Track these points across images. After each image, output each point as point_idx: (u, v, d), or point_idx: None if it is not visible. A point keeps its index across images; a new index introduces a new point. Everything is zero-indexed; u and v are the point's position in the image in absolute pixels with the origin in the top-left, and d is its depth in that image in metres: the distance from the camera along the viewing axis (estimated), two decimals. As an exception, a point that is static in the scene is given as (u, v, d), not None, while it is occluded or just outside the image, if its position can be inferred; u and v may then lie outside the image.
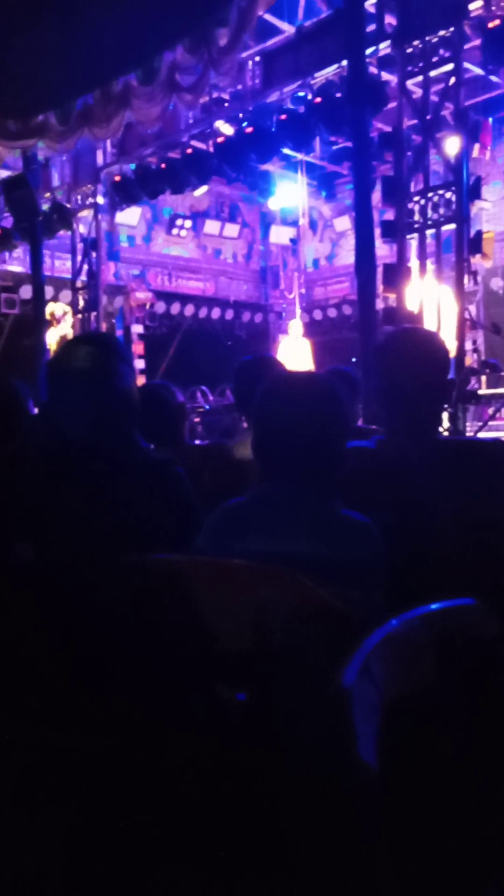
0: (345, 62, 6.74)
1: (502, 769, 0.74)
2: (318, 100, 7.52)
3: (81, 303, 10.08)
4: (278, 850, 0.71)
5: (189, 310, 12.73)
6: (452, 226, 6.07)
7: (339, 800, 0.65)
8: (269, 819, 0.73)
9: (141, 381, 9.76)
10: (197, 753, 0.79)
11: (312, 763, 0.75)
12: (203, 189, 10.19)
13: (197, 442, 6.42)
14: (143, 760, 0.79)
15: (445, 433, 5.57)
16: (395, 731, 0.73)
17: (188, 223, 12.68)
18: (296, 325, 11.32)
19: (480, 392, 6.77)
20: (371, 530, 1.44)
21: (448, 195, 6.06)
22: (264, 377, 1.66)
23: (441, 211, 6.09)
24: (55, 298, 10.77)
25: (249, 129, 8.18)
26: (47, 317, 9.75)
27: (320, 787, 0.69)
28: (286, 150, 8.98)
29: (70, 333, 10.34)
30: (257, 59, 7.86)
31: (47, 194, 9.93)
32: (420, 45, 6.18)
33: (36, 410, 3.11)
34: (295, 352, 10.60)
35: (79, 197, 9.88)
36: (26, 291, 10.36)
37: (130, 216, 11.57)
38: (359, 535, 1.43)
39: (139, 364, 11.50)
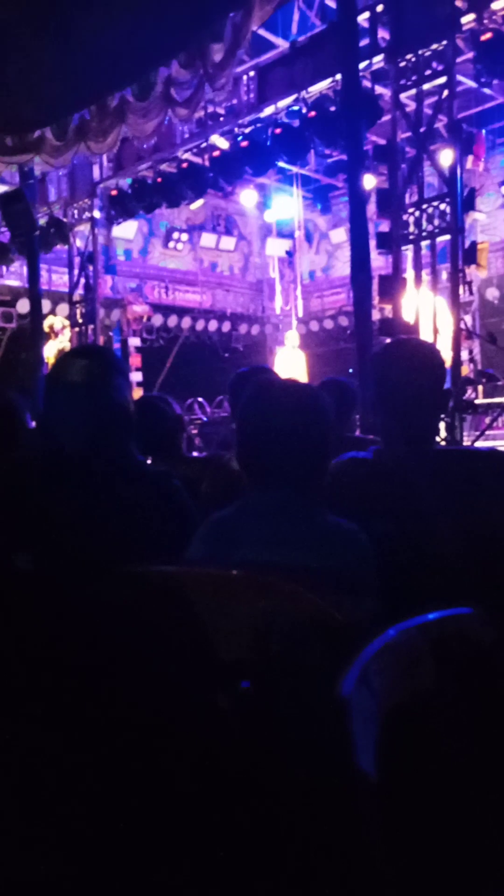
0: (339, 76, 6.80)
1: (500, 776, 0.74)
2: (313, 113, 7.58)
3: (79, 316, 10.11)
4: (279, 857, 0.71)
5: (186, 322, 12.78)
6: (447, 237, 6.11)
7: (339, 808, 0.65)
8: (269, 827, 0.73)
9: (138, 393, 9.78)
10: (196, 763, 0.79)
11: (312, 771, 0.75)
12: (199, 202, 10.26)
13: (195, 454, 6.42)
14: (142, 770, 0.79)
15: (443, 443, 5.58)
16: (393, 739, 0.73)
17: (184, 236, 12.75)
18: (292, 336, 11.26)
19: (477, 402, 6.78)
20: (358, 535, 1.44)
21: (442, 206, 6.10)
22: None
23: (436, 222, 6.13)
24: (52, 312, 10.81)
25: (245, 143, 8.24)
26: (45, 330, 9.77)
27: (320, 796, 0.69)
28: (281, 164, 9.04)
29: (68, 346, 10.36)
30: (252, 73, 7.93)
31: (44, 209, 9.99)
32: (413, 59, 6.24)
33: (33, 423, 3.11)
34: (291, 363, 10.55)
35: (75, 211, 9.93)
36: (24, 305, 10.40)
37: (127, 230, 11.64)
38: (346, 540, 1.43)
39: (136, 376, 11.52)
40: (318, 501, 1.49)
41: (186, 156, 8.95)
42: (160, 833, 0.77)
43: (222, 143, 8.55)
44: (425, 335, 6.04)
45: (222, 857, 0.72)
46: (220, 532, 1.51)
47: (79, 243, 10.00)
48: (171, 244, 12.69)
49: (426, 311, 6.25)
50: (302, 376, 10.11)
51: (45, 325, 9.99)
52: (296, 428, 1.47)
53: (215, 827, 0.75)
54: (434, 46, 6.12)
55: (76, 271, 10.06)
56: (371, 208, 6.59)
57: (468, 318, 9.98)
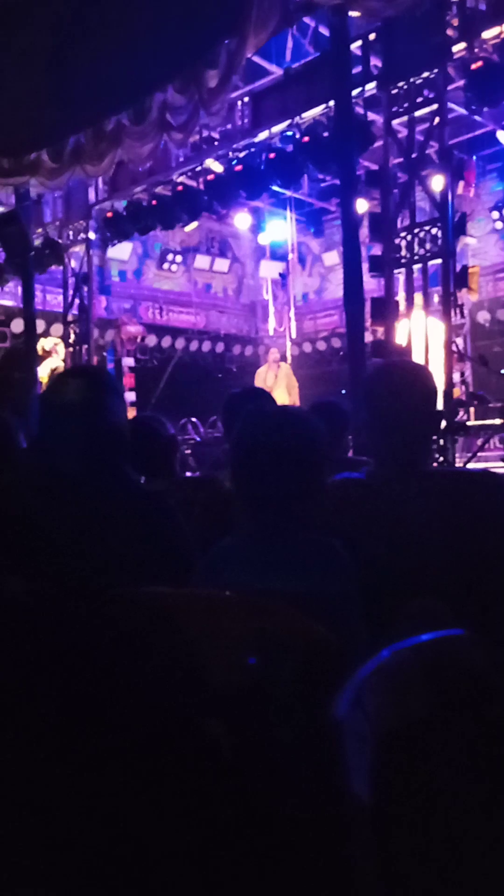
0: (332, 103, 6.91)
1: (495, 800, 0.74)
2: (306, 139, 7.68)
3: (73, 336, 10.14)
4: (272, 883, 0.71)
5: (180, 343, 12.83)
6: (439, 261, 6.17)
7: (332, 832, 0.65)
8: (261, 851, 0.72)
9: (132, 413, 9.77)
10: (187, 786, 0.78)
11: (305, 795, 0.75)
12: (193, 225, 10.34)
13: (188, 474, 6.42)
14: (133, 795, 0.79)
15: (435, 464, 5.60)
16: (387, 762, 0.73)
17: (179, 258, 12.84)
18: (272, 354, 10.85)
19: (469, 423, 6.81)
20: (335, 549, 1.43)
21: (434, 231, 6.17)
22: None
23: (427, 246, 6.20)
24: (46, 332, 10.83)
25: (239, 167, 8.34)
26: (39, 352, 9.76)
27: (313, 819, 0.68)
28: (275, 188, 9.14)
29: (62, 366, 10.35)
30: (246, 99, 8.04)
31: (39, 230, 10.05)
32: (405, 87, 6.34)
33: (25, 443, 3.11)
34: (275, 378, 10.15)
35: (70, 232, 9.99)
36: (18, 325, 10.42)
37: (122, 251, 11.71)
38: (325, 556, 1.43)
39: (130, 396, 11.53)
40: (311, 525, 1.50)
41: (181, 179, 9.04)
42: (151, 858, 0.76)
43: (217, 166, 8.65)
44: (417, 357, 6.08)
45: (214, 882, 0.72)
46: (218, 559, 1.51)
47: (73, 264, 10.05)
48: (166, 266, 12.77)
49: (418, 333, 6.30)
50: (288, 389, 9.79)
51: (39, 346, 10.00)
52: (289, 457, 1.48)
53: (207, 851, 0.75)
54: (425, 74, 6.23)
55: (71, 292, 10.11)
56: (363, 232, 6.66)
57: (460, 341, 10.05)
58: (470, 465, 6.76)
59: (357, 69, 6.64)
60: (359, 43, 6.70)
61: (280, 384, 9.90)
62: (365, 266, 6.22)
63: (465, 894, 0.72)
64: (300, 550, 1.46)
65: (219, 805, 0.76)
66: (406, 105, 6.35)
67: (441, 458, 5.82)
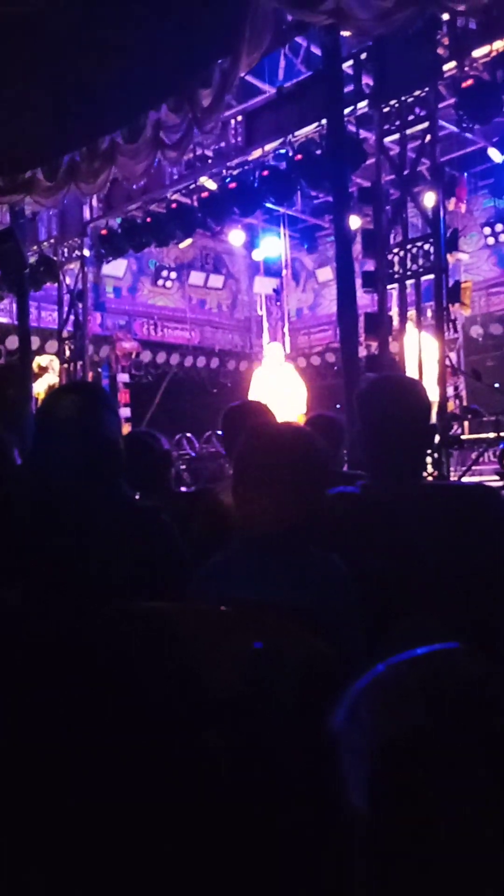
0: (324, 121, 6.98)
1: (492, 811, 0.74)
2: (299, 157, 7.75)
3: (68, 353, 10.16)
4: (270, 893, 0.71)
5: (175, 359, 12.86)
6: (431, 276, 6.22)
7: (329, 843, 0.64)
8: (258, 863, 0.72)
9: (127, 429, 9.77)
10: (185, 798, 0.78)
11: (303, 807, 0.75)
12: (188, 242, 10.39)
13: (183, 489, 6.41)
14: (129, 804, 0.79)
15: (429, 478, 5.61)
16: (383, 774, 0.73)
17: (173, 274, 12.90)
18: (274, 349, 9.73)
19: (463, 437, 6.84)
20: (332, 563, 1.44)
21: (426, 247, 6.21)
22: (249, 423, 1.68)
23: (420, 262, 6.24)
24: (41, 349, 10.84)
25: (233, 185, 8.40)
26: (35, 369, 9.74)
27: (311, 832, 0.68)
28: (269, 205, 9.20)
29: (58, 382, 10.34)
30: (240, 118, 8.12)
31: (35, 247, 10.09)
32: (397, 105, 6.41)
33: (20, 460, 3.11)
34: (276, 382, 9.06)
35: (65, 250, 10.03)
36: (12, 342, 10.44)
37: (116, 268, 11.75)
38: (321, 571, 1.43)
39: (125, 412, 11.53)
40: (309, 542, 1.50)
41: (175, 196, 9.10)
42: (148, 867, 0.76)
43: (211, 184, 8.71)
44: (411, 372, 6.11)
45: (212, 892, 0.72)
46: (216, 572, 1.51)
47: (68, 281, 10.09)
48: (160, 282, 12.83)
49: (411, 348, 6.34)
50: (296, 389, 9.01)
51: (34, 364, 9.99)
52: (290, 472, 1.49)
53: (204, 863, 0.74)
54: (417, 93, 6.30)
55: (66, 309, 10.13)
56: (357, 248, 6.71)
57: (453, 355, 10.10)
58: (464, 479, 6.78)
59: (349, 88, 6.72)
60: (350, 62, 6.79)
61: (285, 387, 8.99)
62: (358, 282, 6.27)
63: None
64: (298, 564, 1.46)
65: (216, 816, 0.76)
66: (398, 123, 6.42)
67: (435, 472, 5.83)
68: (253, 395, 9.14)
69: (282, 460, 1.50)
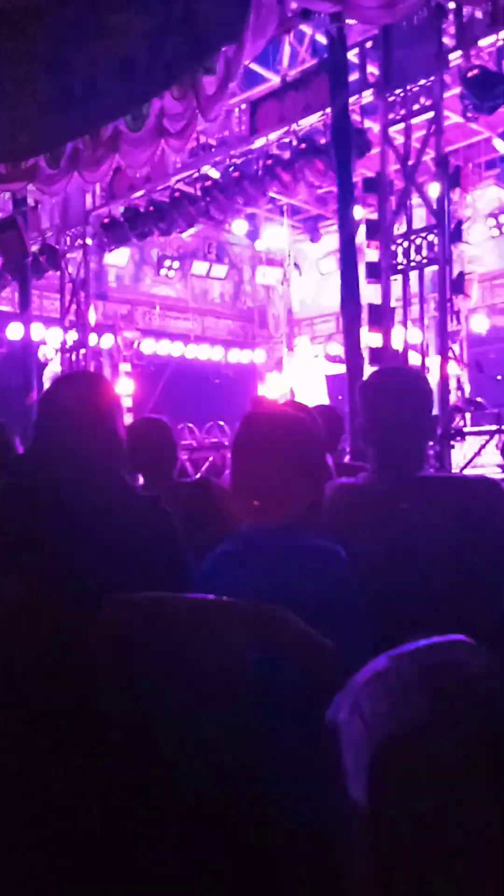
0: (329, 110, 6.93)
1: (493, 805, 0.74)
2: (303, 146, 7.71)
3: (70, 342, 10.14)
4: (271, 886, 0.71)
5: (177, 348, 12.83)
6: (435, 267, 6.19)
7: (329, 837, 0.64)
8: (258, 856, 0.72)
9: (129, 418, 9.74)
10: (185, 790, 0.78)
11: (303, 800, 0.75)
12: (191, 231, 10.35)
13: (186, 480, 6.41)
14: (132, 797, 0.79)
15: (432, 470, 5.60)
16: (384, 767, 0.73)
17: (176, 264, 12.86)
18: (303, 342, 9.72)
19: (466, 429, 6.83)
20: (337, 555, 1.44)
21: (430, 238, 6.19)
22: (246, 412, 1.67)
23: (424, 253, 6.22)
24: (43, 338, 10.83)
25: (236, 174, 8.36)
26: (41, 358, 9.72)
27: (311, 825, 0.68)
28: (272, 194, 9.16)
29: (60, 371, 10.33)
30: (244, 106, 8.07)
31: (37, 235, 10.05)
32: (401, 94, 6.37)
33: (22, 449, 3.11)
34: (308, 379, 9.02)
35: (68, 238, 10.00)
36: (14, 331, 10.42)
37: (119, 257, 11.72)
38: (325, 562, 1.43)
39: (127, 402, 11.52)
40: (309, 529, 1.50)
41: (179, 185, 9.06)
42: (148, 860, 0.76)
43: (214, 173, 8.67)
44: (413, 363, 6.10)
45: (213, 885, 0.72)
46: (219, 562, 1.51)
47: (71, 270, 10.06)
48: (163, 272, 12.78)
49: (414, 339, 6.32)
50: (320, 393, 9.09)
51: (40, 353, 9.97)
52: (288, 458, 1.48)
53: (204, 854, 0.74)
54: (422, 82, 6.26)
55: (68, 297, 10.11)
56: (360, 238, 6.68)
57: (456, 347, 10.07)
58: (467, 471, 6.77)
59: (354, 77, 6.67)
60: (356, 51, 6.74)
61: (314, 379, 9.05)
62: (362, 272, 6.24)
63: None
64: (302, 555, 1.46)
65: (215, 809, 0.76)
66: (403, 112, 6.38)
67: (438, 464, 5.83)
68: (281, 386, 9.26)
69: (278, 447, 1.49)
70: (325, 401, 8.54)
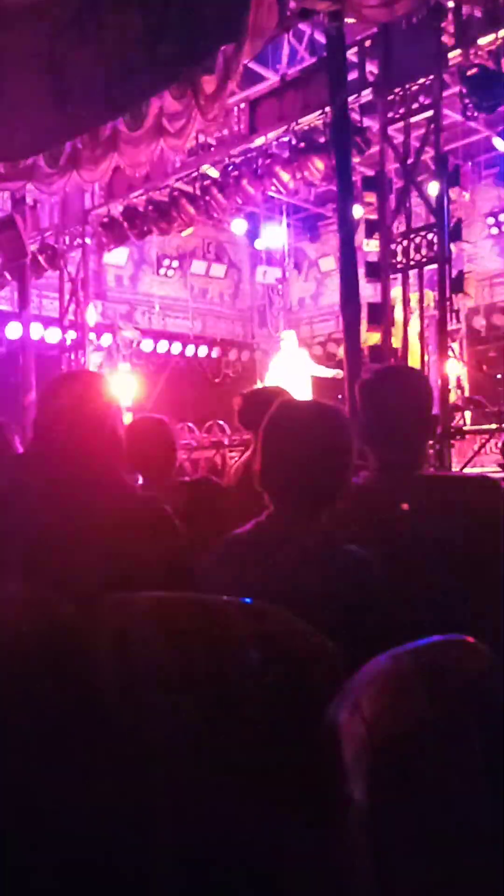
0: (328, 108, 6.93)
1: (492, 804, 0.74)
2: (303, 144, 7.70)
3: (69, 341, 10.14)
4: (270, 886, 0.70)
5: (176, 348, 12.83)
6: (434, 266, 6.19)
7: (329, 836, 0.64)
8: (259, 858, 0.72)
9: (128, 418, 9.71)
10: (185, 790, 0.78)
11: (303, 800, 0.75)
12: (190, 230, 10.33)
13: (187, 479, 6.41)
14: (127, 796, 0.78)
15: (432, 469, 5.60)
16: (384, 766, 0.73)
17: (175, 263, 12.85)
18: (290, 336, 9.78)
19: (466, 428, 6.83)
20: (370, 565, 1.44)
21: (430, 236, 6.18)
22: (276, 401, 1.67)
23: (423, 252, 6.22)
24: (42, 337, 10.82)
25: (235, 173, 8.35)
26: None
27: (311, 824, 0.68)
28: (271, 193, 9.15)
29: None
30: (243, 105, 8.06)
31: (36, 234, 10.04)
32: (401, 93, 6.36)
33: (21, 448, 3.11)
34: (292, 370, 9.11)
35: (67, 238, 9.99)
36: (14, 330, 10.41)
37: (118, 256, 11.71)
38: (358, 569, 1.43)
39: (126, 401, 11.51)
40: (334, 524, 1.50)
41: (178, 184, 9.05)
42: (148, 859, 0.76)
43: (213, 172, 8.66)
44: (413, 362, 6.09)
45: (213, 882, 0.72)
46: (233, 552, 1.51)
47: (70, 269, 10.05)
48: (162, 271, 12.78)
49: (414, 338, 6.32)
50: (306, 378, 9.09)
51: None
52: (321, 448, 1.49)
53: (203, 854, 0.74)
54: (421, 80, 6.25)
55: (67, 297, 10.10)
56: (360, 237, 6.68)
57: (456, 346, 10.07)
58: (466, 470, 6.77)
59: (353, 75, 6.67)
60: (355, 49, 6.73)
61: (300, 373, 9.09)
62: (361, 271, 6.24)
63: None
64: (315, 552, 1.46)
65: (213, 810, 0.76)
66: (402, 111, 6.38)
67: (438, 463, 5.83)
68: (269, 382, 9.24)
69: (311, 436, 1.50)
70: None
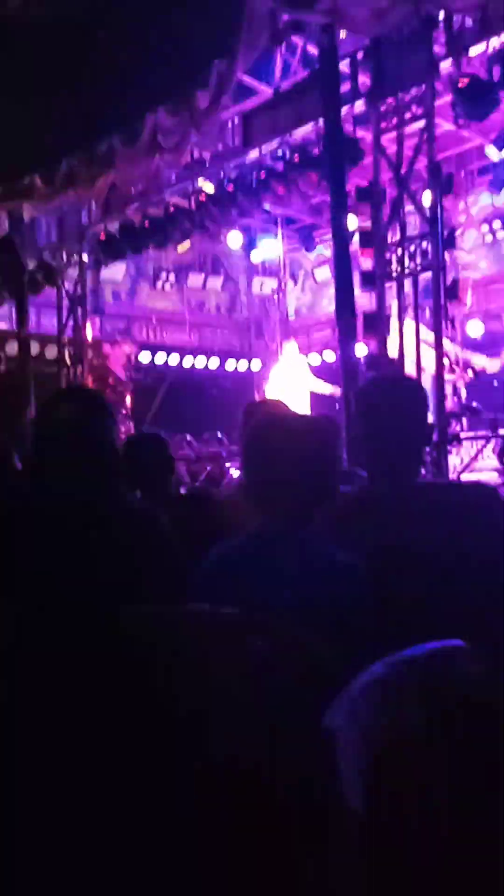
0: (321, 120, 6.98)
1: (490, 814, 0.74)
2: (297, 157, 7.75)
3: (67, 358, 10.17)
4: (265, 892, 0.71)
5: (174, 360, 12.86)
6: (429, 274, 6.22)
7: (325, 844, 0.64)
8: (255, 863, 0.72)
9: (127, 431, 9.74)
10: (182, 802, 0.78)
11: (299, 809, 0.75)
12: (186, 244, 10.39)
13: (183, 490, 6.41)
14: (130, 811, 0.79)
15: (428, 476, 5.61)
16: (381, 775, 0.73)
17: (172, 277, 12.91)
18: (292, 347, 9.87)
19: (462, 435, 6.83)
20: (358, 572, 1.45)
21: (424, 245, 6.22)
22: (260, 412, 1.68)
23: (418, 260, 6.25)
24: (41, 354, 10.85)
25: (230, 187, 8.41)
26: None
27: (307, 832, 0.68)
28: (266, 206, 9.20)
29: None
30: (236, 119, 8.12)
31: (33, 253, 10.09)
32: (393, 103, 6.41)
33: (20, 465, 3.12)
34: (293, 378, 9.16)
35: (64, 255, 10.04)
36: (12, 348, 10.44)
37: (115, 272, 11.76)
38: (346, 576, 1.44)
39: (125, 415, 11.53)
40: (322, 533, 1.51)
41: (173, 199, 9.10)
42: (145, 867, 0.76)
43: (208, 186, 8.72)
44: (409, 370, 6.11)
45: (207, 888, 0.72)
46: (224, 565, 1.52)
47: (67, 286, 10.10)
48: (159, 285, 12.84)
49: (410, 346, 6.34)
50: (307, 387, 9.11)
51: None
52: (304, 459, 1.49)
53: (200, 860, 0.75)
54: (413, 91, 6.30)
55: (65, 313, 10.15)
56: (354, 247, 6.71)
57: (451, 353, 10.08)
58: (463, 477, 6.77)
59: (346, 87, 6.72)
60: (347, 61, 6.78)
61: (302, 383, 9.13)
62: (356, 281, 6.27)
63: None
64: (315, 562, 1.46)
65: (213, 817, 0.76)
66: (395, 121, 6.42)
67: (435, 470, 5.83)
68: (270, 392, 9.29)
69: (295, 444, 1.51)
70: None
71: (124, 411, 11.17)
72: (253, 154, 8.26)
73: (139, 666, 1.01)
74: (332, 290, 6.76)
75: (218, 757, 0.86)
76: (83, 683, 0.95)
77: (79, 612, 1.20)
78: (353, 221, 8.12)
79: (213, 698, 0.97)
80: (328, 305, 12.53)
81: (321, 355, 12.95)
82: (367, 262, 6.53)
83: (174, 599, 1.50)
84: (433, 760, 0.80)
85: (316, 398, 9.12)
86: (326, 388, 9.13)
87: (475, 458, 7.11)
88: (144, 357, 12.51)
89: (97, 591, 1.48)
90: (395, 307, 6.39)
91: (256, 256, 12.93)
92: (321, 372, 12.75)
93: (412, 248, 6.27)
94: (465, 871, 0.68)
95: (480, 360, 8.92)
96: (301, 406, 8.53)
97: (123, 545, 1.64)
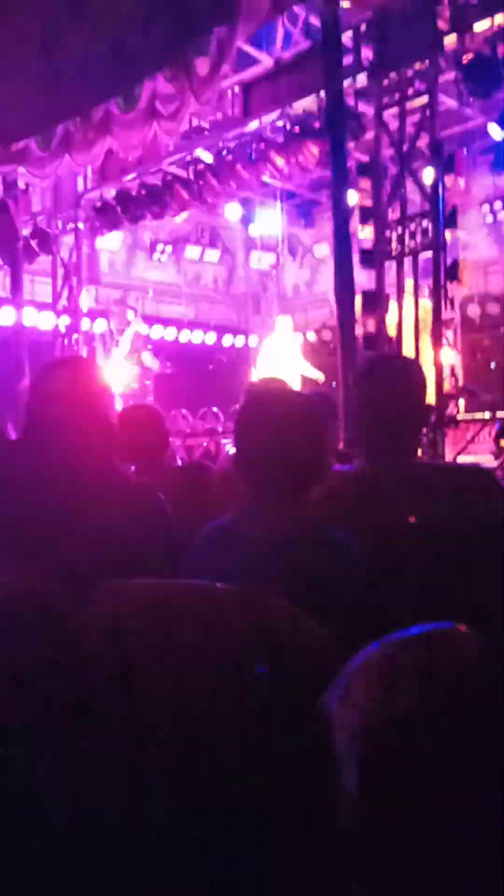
0: (322, 92, 6.87)
1: (484, 794, 0.74)
2: (297, 129, 7.65)
3: (62, 327, 10.09)
4: (263, 874, 0.71)
5: (170, 334, 12.78)
6: (429, 253, 6.17)
7: (321, 824, 0.64)
8: (252, 845, 0.72)
9: (121, 403, 9.70)
10: (180, 780, 0.78)
11: (295, 788, 0.75)
12: (183, 215, 10.27)
13: (179, 465, 6.40)
14: (124, 787, 0.79)
15: (425, 457, 5.61)
16: (376, 755, 0.73)
17: (169, 248, 12.77)
18: (285, 321, 9.57)
19: (459, 417, 6.83)
20: (352, 550, 1.44)
21: (425, 224, 6.16)
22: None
23: (418, 239, 6.19)
24: (36, 323, 10.75)
25: (229, 157, 8.29)
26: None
27: (303, 812, 0.68)
28: (266, 178, 9.09)
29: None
30: (237, 88, 7.99)
31: (28, 218, 9.96)
32: (396, 78, 6.32)
33: (13, 434, 3.10)
34: (283, 354, 9.15)
35: (59, 222, 9.91)
36: (6, 316, 10.34)
37: (111, 241, 11.63)
38: (341, 554, 1.44)
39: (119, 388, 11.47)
40: (313, 510, 1.50)
41: (171, 168, 8.98)
42: (144, 852, 0.76)
43: (207, 156, 8.59)
44: (407, 350, 6.09)
45: (206, 872, 0.72)
46: (217, 540, 1.52)
47: (63, 254, 9.98)
48: (156, 256, 12.71)
49: (408, 326, 6.31)
50: (298, 363, 9.09)
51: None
52: (291, 436, 1.49)
53: (198, 843, 0.75)
54: (417, 66, 6.21)
55: (60, 282, 10.04)
56: (354, 224, 6.64)
57: (450, 334, 10.06)
58: (459, 459, 6.78)
59: (348, 60, 6.61)
60: (350, 33, 6.67)
61: (294, 358, 9.09)
62: (355, 258, 6.21)
63: (454, 886, 0.71)
64: (306, 539, 1.46)
65: (208, 799, 0.76)
66: (397, 96, 6.34)
67: (431, 452, 5.84)
68: (261, 366, 9.26)
69: (281, 425, 1.50)
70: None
71: None
72: (253, 125, 8.14)
73: (132, 638, 1.01)
74: (330, 267, 6.71)
75: (211, 734, 0.86)
76: (72, 654, 0.95)
77: (72, 583, 1.20)
78: (353, 198, 8.03)
79: (206, 673, 0.97)
80: (326, 282, 12.45)
81: (319, 333, 12.90)
82: (366, 234, 6.43)
83: (170, 572, 1.49)
84: (428, 740, 0.80)
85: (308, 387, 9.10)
86: (313, 373, 9.11)
87: (471, 440, 7.12)
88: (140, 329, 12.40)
89: (90, 563, 1.47)
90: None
91: (255, 230, 12.80)
92: (319, 348, 12.72)
93: (412, 226, 6.22)
94: (459, 847, 0.68)
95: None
96: (293, 382, 8.49)
97: (118, 517, 1.63)
